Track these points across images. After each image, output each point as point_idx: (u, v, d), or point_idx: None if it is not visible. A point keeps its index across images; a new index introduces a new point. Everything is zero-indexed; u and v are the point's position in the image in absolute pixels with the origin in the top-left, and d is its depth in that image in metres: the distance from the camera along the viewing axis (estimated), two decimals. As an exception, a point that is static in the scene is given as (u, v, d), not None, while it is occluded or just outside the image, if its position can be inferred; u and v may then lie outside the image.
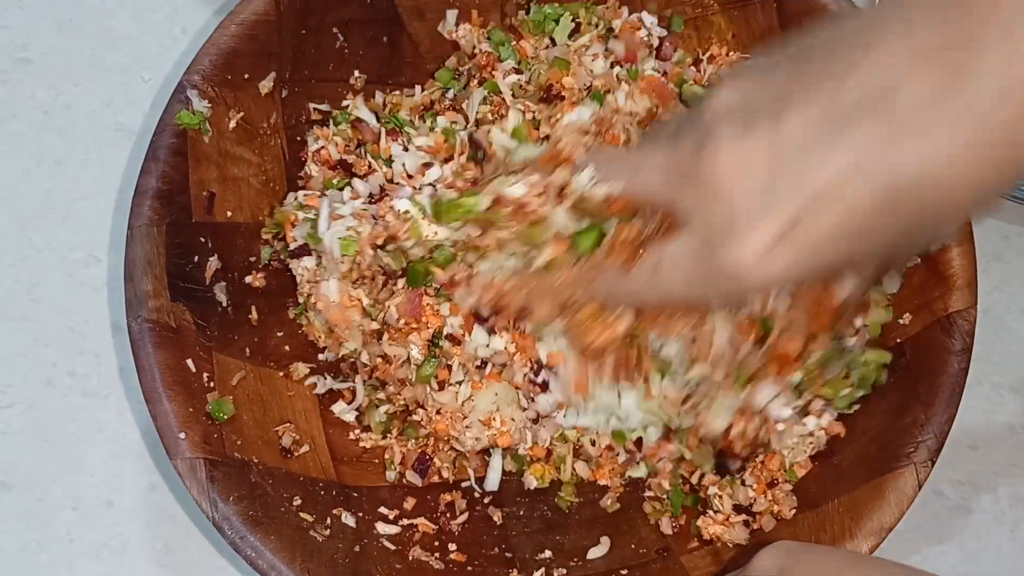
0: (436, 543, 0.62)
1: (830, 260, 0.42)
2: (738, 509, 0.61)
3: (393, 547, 0.61)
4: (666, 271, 0.48)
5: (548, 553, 0.62)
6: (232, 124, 0.63)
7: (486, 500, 0.65)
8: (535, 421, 0.62)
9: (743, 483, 0.61)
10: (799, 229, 0.41)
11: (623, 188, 0.50)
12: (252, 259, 0.65)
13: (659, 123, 0.62)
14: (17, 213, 0.70)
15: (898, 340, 0.61)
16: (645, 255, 0.49)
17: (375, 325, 0.62)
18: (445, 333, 0.60)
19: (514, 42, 0.67)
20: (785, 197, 0.40)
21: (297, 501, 0.59)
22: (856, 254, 0.42)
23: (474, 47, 0.67)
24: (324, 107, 0.67)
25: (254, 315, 0.64)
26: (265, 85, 0.64)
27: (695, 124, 0.45)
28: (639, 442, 0.62)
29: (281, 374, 0.64)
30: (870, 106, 0.38)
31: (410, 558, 0.60)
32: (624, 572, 0.61)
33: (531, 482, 0.65)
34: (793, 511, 0.60)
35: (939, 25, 0.36)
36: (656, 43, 0.67)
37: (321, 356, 0.66)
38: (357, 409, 0.65)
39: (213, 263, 0.63)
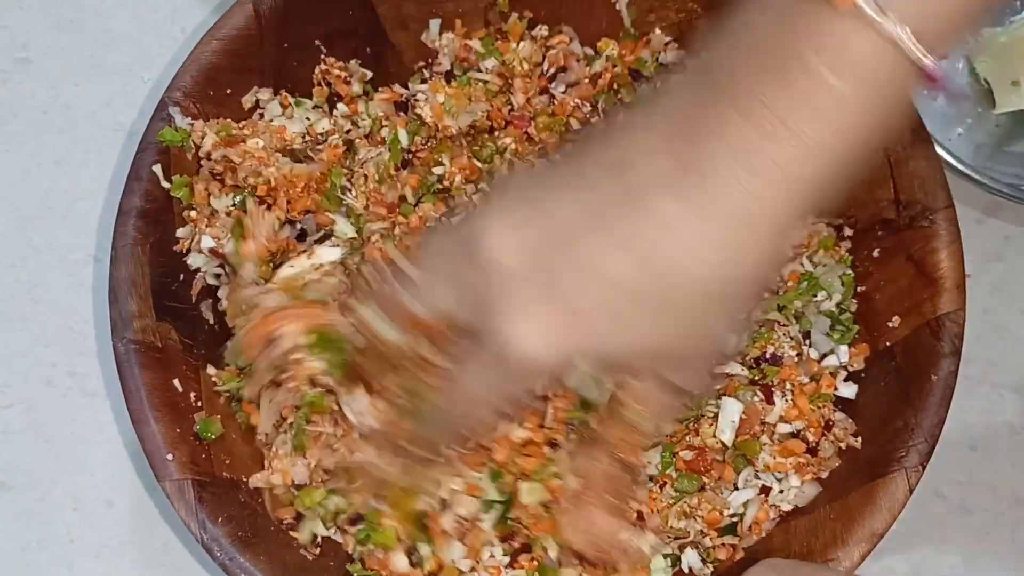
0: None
1: (606, 337, 0.44)
2: None
3: None
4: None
5: None
6: None
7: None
8: None
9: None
10: (572, 309, 0.43)
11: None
12: None
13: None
14: (17, 213, 0.70)
15: (887, 343, 0.61)
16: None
17: None
18: None
19: (498, 41, 0.67)
20: (556, 278, 0.43)
21: (288, 519, 0.59)
22: (632, 333, 0.44)
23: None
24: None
25: (242, 332, 0.64)
26: (248, 100, 0.63)
27: (471, 228, 0.45)
28: None
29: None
30: (628, 206, 0.43)
31: None
32: None
33: None
34: None
35: (672, 158, 0.42)
36: None
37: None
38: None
39: (199, 281, 0.62)
